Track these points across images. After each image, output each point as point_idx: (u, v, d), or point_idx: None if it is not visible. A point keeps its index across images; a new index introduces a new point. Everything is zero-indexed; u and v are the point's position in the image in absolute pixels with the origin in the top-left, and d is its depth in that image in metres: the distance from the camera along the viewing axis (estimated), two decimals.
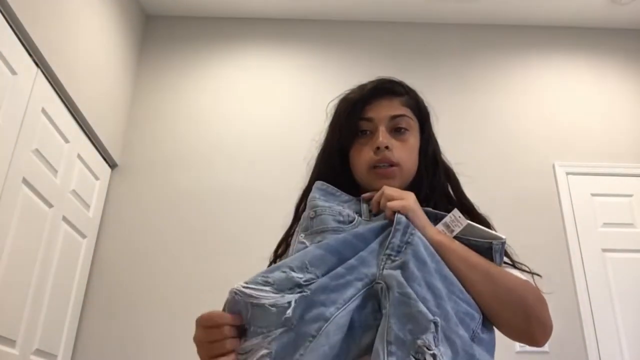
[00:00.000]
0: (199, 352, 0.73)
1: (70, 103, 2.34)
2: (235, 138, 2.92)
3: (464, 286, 0.77)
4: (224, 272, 2.52)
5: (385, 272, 0.73)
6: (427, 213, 0.86)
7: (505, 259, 0.89)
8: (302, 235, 0.83)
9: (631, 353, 2.46)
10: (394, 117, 0.94)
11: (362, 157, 0.93)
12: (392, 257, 0.75)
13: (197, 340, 0.73)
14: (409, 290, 0.69)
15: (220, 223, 2.70)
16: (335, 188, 0.90)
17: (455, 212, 0.83)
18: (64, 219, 2.32)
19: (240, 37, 3.20)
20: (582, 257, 2.64)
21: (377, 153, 0.91)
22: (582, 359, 2.44)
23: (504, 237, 0.82)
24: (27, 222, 2.03)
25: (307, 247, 0.79)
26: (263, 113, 2.98)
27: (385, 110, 0.94)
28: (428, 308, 0.69)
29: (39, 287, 2.12)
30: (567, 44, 3.23)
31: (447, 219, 0.83)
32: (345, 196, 0.90)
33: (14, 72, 1.92)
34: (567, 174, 2.84)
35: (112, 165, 2.81)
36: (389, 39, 3.22)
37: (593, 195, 2.80)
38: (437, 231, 0.82)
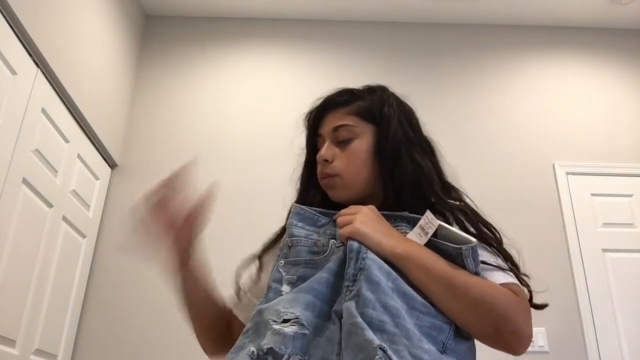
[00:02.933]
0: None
1: (70, 103, 2.34)
2: (235, 138, 2.92)
3: (428, 298, 0.76)
4: (224, 272, 2.52)
5: (344, 305, 0.73)
6: (406, 218, 0.86)
7: (499, 261, 0.85)
8: (282, 262, 0.85)
9: (631, 353, 2.46)
10: (335, 129, 0.97)
11: (318, 171, 0.98)
12: (350, 288, 0.74)
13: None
14: (357, 319, 0.69)
15: (220, 223, 2.70)
16: (313, 210, 0.90)
17: (428, 214, 0.82)
18: (64, 219, 2.32)
19: (240, 37, 3.20)
20: (582, 257, 2.64)
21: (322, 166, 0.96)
22: (582, 359, 2.44)
23: (474, 240, 0.78)
24: (27, 222, 2.03)
25: (282, 277, 0.82)
26: (263, 113, 2.98)
27: (329, 123, 0.98)
28: (386, 330, 0.68)
29: (39, 287, 2.12)
30: (567, 44, 3.23)
31: (422, 221, 0.82)
32: (323, 219, 0.90)
33: (14, 72, 1.92)
34: (567, 174, 2.84)
35: (112, 165, 2.81)
36: (389, 39, 3.22)
37: (593, 195, 2.80)
38: (397, 242, 0.79)
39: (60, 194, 2.28)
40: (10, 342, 1.94)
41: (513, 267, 0.85)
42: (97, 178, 2.64)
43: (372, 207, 0.86)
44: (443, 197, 0.92)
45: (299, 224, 0.88)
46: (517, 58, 3.19)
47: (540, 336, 2.41)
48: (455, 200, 0.94)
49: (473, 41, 3.22)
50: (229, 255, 2.71)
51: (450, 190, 0.96)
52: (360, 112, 0.98)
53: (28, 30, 1.96)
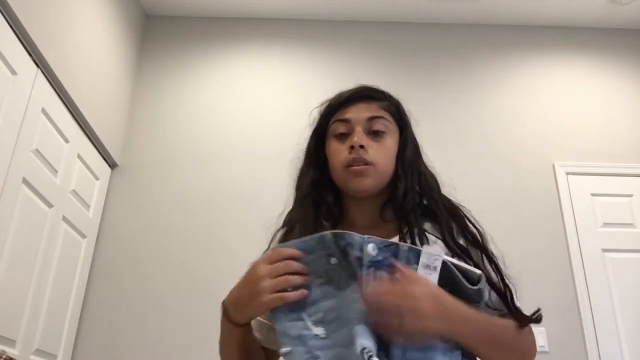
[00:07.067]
0: (257, 292, 0.77)
1: (70, 103, 2.34)
2: (235, 138, 2.92)
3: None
4: (224, 271, 2.52)
5: None
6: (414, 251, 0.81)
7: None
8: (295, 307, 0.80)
9: (631, 353, 2.46)
10: (371, 118, 0.96)
11: (338, 157, 0.95)
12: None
13: (257, 277, 0.77)
14: None
15: (220, 223, 2.70)
16: (297, 242, 0.83)
17: (427, 248, 0.79)
18: (64, 219, 2.32)
19: (240, 37, 3.20)
20: (582, 257, 2.64)
21: (351, 152, 0.92)
22: (582, 359, 2.43)
23: (479, 272, 0.78)
24: (27, 222, 2.03)
25: (305, 323, 0.78)
26: (263, 113, 2.98)
27: (362, 112, 0.97)
28: None
29: (39, 287, 2.12)
30: (567, 44, 3.23)
31: (424, 258, 0.77)
32: (310, 245, 0.82)
33: (14, 72, 1.92)
34: (567, 174, 2.84)
35: (112, 165, 2.81)
36: (389, 39, 3.22)
37: (593, 195, 2.80)
38: (432, 326, 0.74)
39: (60, 194, 2.28)
40: (10, 342, 1.94)
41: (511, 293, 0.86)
42: (97, 178, 2.64)
43: (432, 290, 0.76)
44: (439, 204, 0.94)
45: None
46: (517, 58, 3.19)
47: (540, 336, 2.40)
48: (447, 207, 0.95)
49: (473, 41, 3.22)
50: (228, 254, 2.73)
51: (444, 199, 0.97)
52: (392, 111, 1.00)
53: (28, 30, 1.96)
